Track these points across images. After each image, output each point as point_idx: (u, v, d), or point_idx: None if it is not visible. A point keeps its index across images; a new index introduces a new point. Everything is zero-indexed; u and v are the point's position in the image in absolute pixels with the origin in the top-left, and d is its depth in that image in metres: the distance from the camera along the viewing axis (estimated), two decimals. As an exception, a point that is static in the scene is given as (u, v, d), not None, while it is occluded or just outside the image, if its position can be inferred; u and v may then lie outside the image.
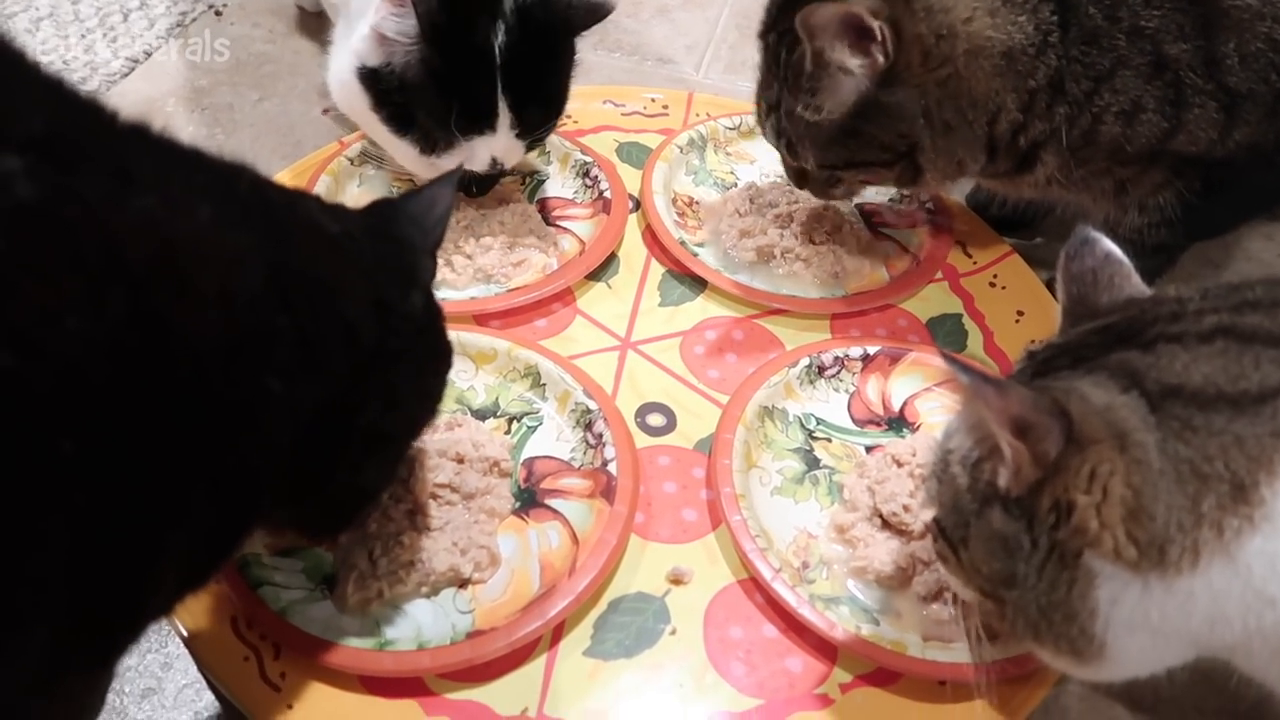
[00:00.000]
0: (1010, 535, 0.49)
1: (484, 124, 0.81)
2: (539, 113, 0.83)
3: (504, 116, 0.80)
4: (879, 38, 0.71)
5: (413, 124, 0.81)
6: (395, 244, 0.57)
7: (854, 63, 0.73)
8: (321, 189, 0.91)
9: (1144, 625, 0.47)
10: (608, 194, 0.93)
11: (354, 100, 0.82)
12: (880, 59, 0.72)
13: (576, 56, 0.86)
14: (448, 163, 0.82)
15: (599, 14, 0.82)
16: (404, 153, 0.84)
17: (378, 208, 0.61)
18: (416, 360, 0.57)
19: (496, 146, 0.82)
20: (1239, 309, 0.50)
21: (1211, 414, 0.46)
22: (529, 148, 0.86)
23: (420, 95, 0.79)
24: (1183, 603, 0.46)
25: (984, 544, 0.51)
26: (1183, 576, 0.46)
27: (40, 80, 0.41)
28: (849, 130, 0.76)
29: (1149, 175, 0.80)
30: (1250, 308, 0.51)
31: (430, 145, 0.82)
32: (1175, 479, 0.46)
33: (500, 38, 0.78)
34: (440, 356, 0.61)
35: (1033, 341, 0.57)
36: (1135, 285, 0.58)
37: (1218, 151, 0.76)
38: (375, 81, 0.80)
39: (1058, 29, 0.72)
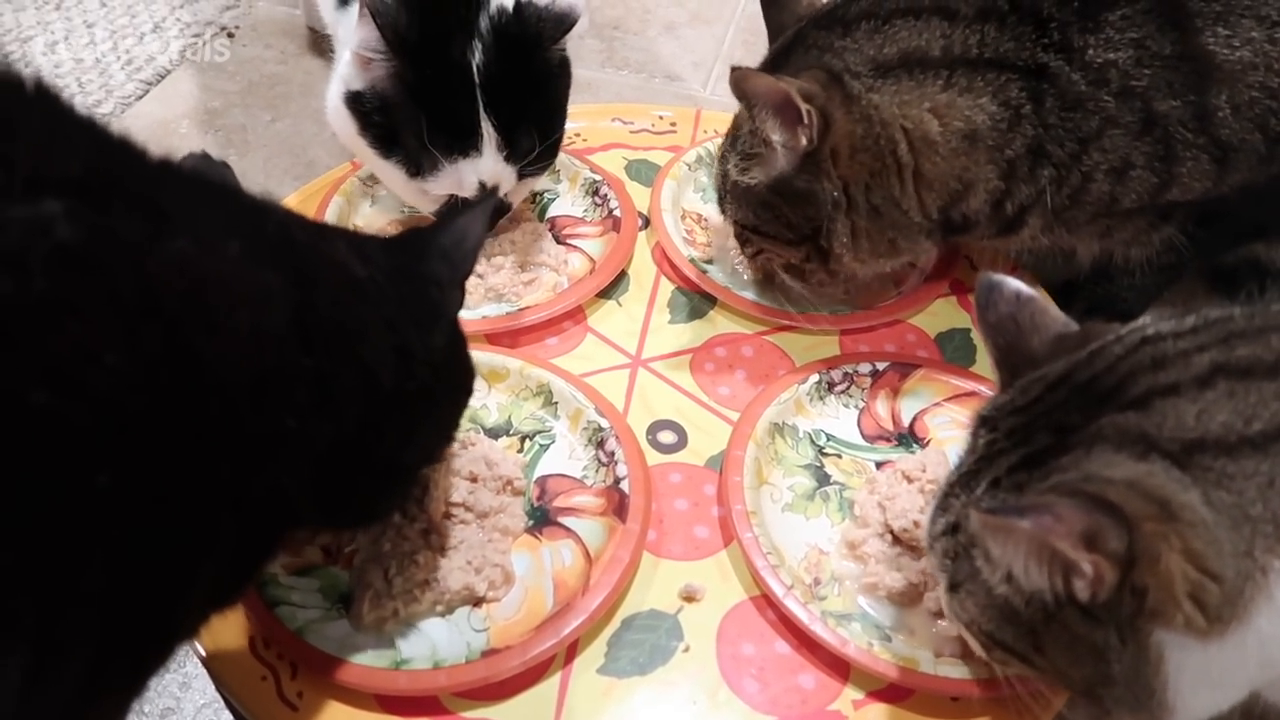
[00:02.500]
0: (1098, 639, 0.48)
1: (466, 144, 0.79)
2: (528, 135, 0.81)
3: (489, 138, 0.79)
4: (805, 121, 0.72)
5: (397, 145, 0.81)
6: (422, 282, 0.56)
7: (777, 138, 0.74)
8: (334, 209, 0.92)
9: (1206, 682, 0.47)
10: (617, 212, 0.93)
11: (344, 126, 0.83)
12: (803, 142, 0.73)
13: (579, 77, 0.86)
14: (435, 187, 0.81)
15: (566, 23, 0.81)
16: (392, 177, 0.84)
17: (407, 241, 0.60)
18: (434, 397, 0.57)
19: (484, 170, 0.81)
20: (1228, 342, 0.50)
21: (1240, 459, 0.46)
22: (524, 174, 0.83)
23: (400, 113, 0.79)
24: (1237, 654, 0.46)
25: (1066, 651, 0.49)
26: (1237, 629, 0.45)
27: (75, 121, 0.42)
28: (763, 200, 0.78)
29: (1132, 222, 0.81)
30: (1238, 339, 0.50)
31: (416, 168, 0.81)
32: (1230, 526, 0.45)
33: (478, 56, 0.78)
34: (458, 389, 0.62)
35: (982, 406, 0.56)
36: (1055, 317, 0.57)
37: (1211, 195, 0.77)
38: (360, 105, 0.80)
39: (1029, 102, 0.72)
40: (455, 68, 0.78)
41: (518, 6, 0.80)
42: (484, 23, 0.79)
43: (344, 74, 0.81)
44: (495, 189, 0.82)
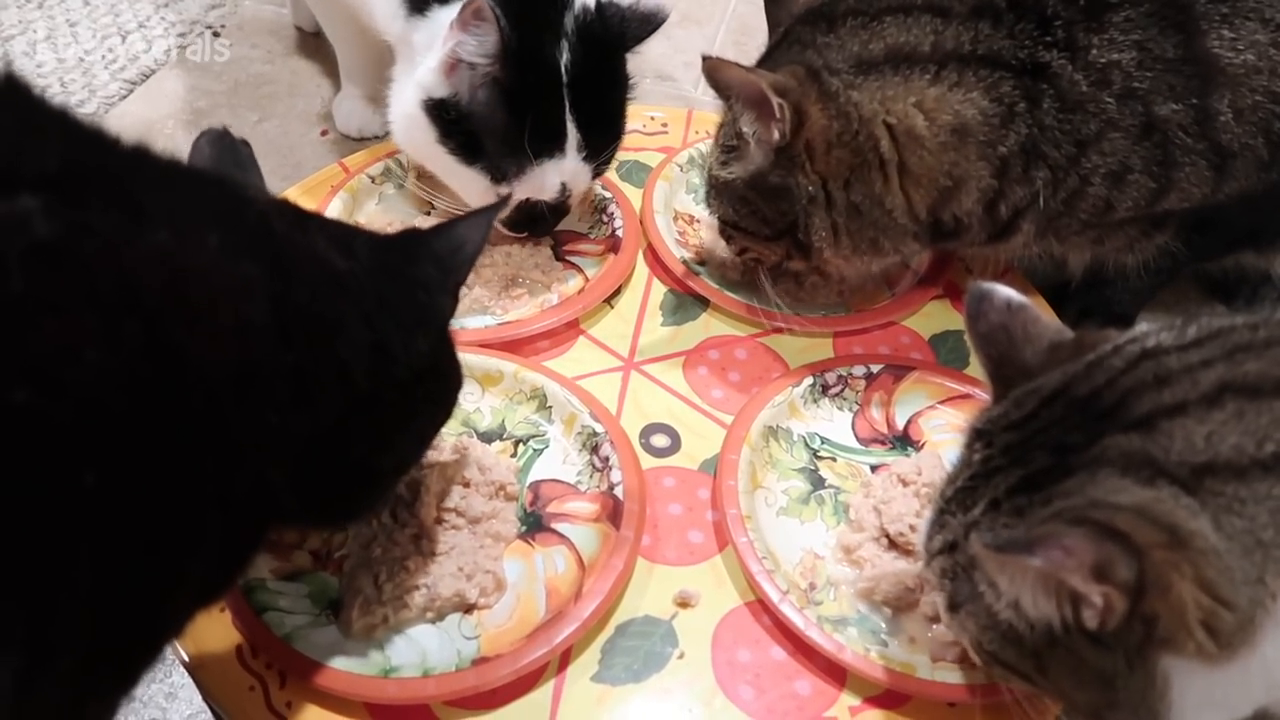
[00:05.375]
0: (1105, 665, 0.47)
1: (554, 145, 0.80)
2: (603, 133, 0.82)
3: (572, 138, 0.80)
4: (778, 116, 0.71)
5: (481, 153, 0.80)
6: (409, 284, 0.55)
7: (750, 132, 0.74)
8: (339, 204, 0.90)
9: (1210, 705, 0.47)
10: (620, 233, 0.91)
11: (418, 134, 0.82)
12: (776, 136, 0.73)
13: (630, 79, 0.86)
14: (520, 191, 0.81)
15: (653, 24, 0.82)
16: (471, 184, 0.83)
17: (401, 242, 0.59)
18: (412, 404, 0.56)
19: (566, 170, 0.81)
20: (1233, 356, 0.48)
21: (1252, 482, 0.45)
22: (595, 173, 0.84)
23: (490, 120, 0.79)
24: (1242, 678, 0.46)
25: (1071, 675, 0.49)
26: (1245, 654, 0.45)
27: (50, 114, 0.41)
28: (741, 195, 0.78)
29: (1124, 231, 0.80)
30: (1244, 352, 0.48)
31: (500, 174, 0.81)
32: (1242, 553, 0.44)
33: (565, 56, 0.79)
34: (440, 400, 0.60)
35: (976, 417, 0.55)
36: (1048, 325, 0.56)
37: (1207, 202, 0.76)
38: (442, 112, 0.80)
39: (1024, 101, 0.71)
40: (547, 69, 0.78)
41: (599, 6, 0.81)
42: (569, 22, 0.79)
43: (424, 82, 0.80)
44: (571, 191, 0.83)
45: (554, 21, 0.79)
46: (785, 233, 0.78)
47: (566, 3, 0.80)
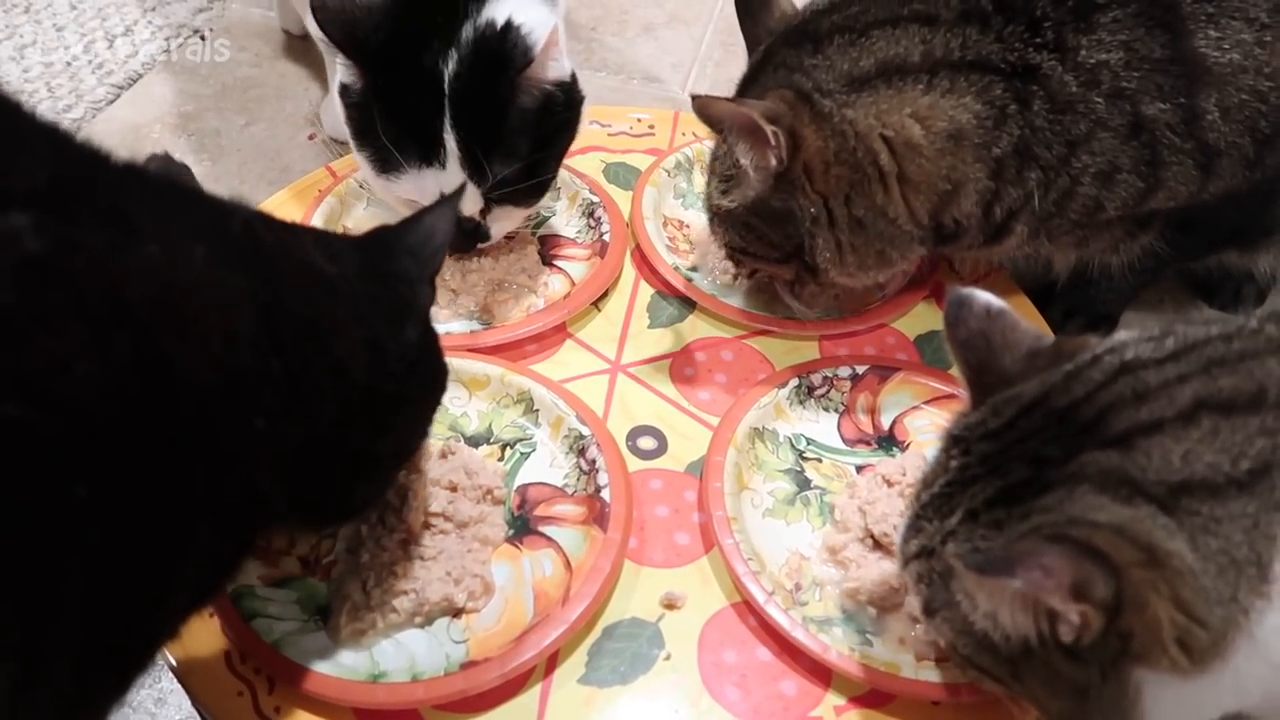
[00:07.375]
0: (1079, 677, 0.47)
1: (429, 153, 0.77)
2: (500, 162, 0.77)
3: (452, 153, 0.77)
4: (773, 143, 0.72)
5: (367, 140, 0.80)
6: (391, 279, 0.57)
7: (747, 162, 0.74)
8: (325, 210, 0.91)
9: (1180, 713, 0.48)
10: (607, 237, 0.91)
11: (339, 115, 0.82)
12: (773, 163, 0.73)
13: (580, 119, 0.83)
14: (399, 189, 0.80)
15: (529, 55, 0.76)
16: (364, 167, 0.83)
17: (375, 239, 0.61)
18: (408, 392, 0.58)
19: (446, 184, 0.77)
20: (1209, 371, 0.49)
21: (1227, 501, 0.45)
22: (495, 200, 0.81)
23: (369, 110, 0.78)
24: (1213, 688, 0.46)
25: (1045, 685, 0.49)
26: (1218, 666, 0.46)
27: (38, 130, 0.42)
28: (745, 222, 0.78)
29: (1110, 231, 0.81)
30: (1219, 366, 0.49)
31: (382, 164, 0.79)
32: (1217, 573, 0.45)
33: (451, 66, 0.76)
34: (432, 385, 0.62)
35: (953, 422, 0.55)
36: (1027, 331, 0.56)
37: (1193, 201, 0.77)
38: (346, 95, 0.80)
39: (1014, 103, 0.72)
40: (424, 74, 0.76)
41: (507, 25, 0.77)
42: (467, 33, 0.76)
43: (342, 62, 0.80)
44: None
45: (445, 27, 0.76)
46: (793, 255, 0.78)
47: (468, 13, 0.77)
